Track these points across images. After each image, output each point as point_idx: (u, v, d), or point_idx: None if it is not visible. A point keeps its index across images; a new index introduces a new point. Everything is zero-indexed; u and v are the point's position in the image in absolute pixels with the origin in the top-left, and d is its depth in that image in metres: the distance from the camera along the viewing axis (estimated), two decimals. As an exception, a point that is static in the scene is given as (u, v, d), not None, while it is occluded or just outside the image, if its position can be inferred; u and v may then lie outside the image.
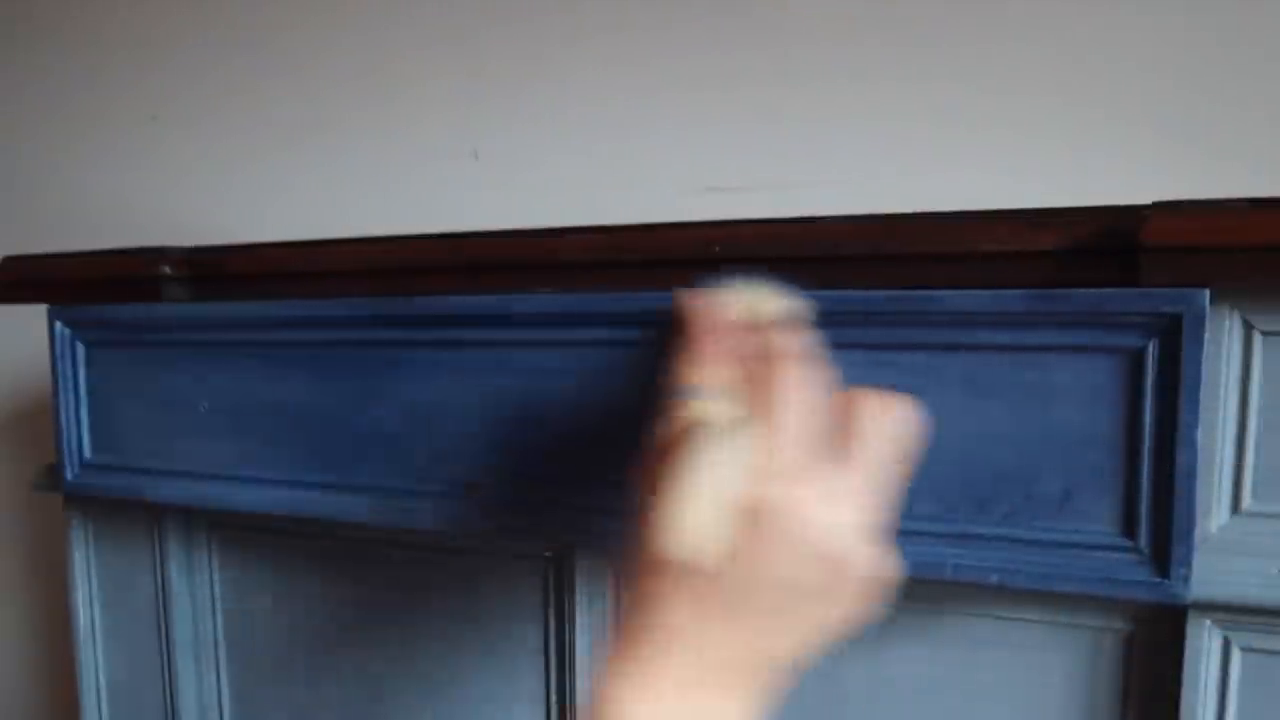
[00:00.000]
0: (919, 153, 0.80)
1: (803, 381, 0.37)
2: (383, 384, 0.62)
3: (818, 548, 0.36)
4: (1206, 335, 0.43)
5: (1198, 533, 0.45)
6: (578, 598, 0.62)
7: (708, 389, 0.38)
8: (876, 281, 0.49)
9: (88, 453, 0.74)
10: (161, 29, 1.11)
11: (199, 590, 0.77)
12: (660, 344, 0.42)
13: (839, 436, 0.38)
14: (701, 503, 0.35)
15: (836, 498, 0.36)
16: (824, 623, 0.39)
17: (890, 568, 0.39)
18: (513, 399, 0.58)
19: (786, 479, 0.36)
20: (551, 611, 0.64)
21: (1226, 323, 0.45)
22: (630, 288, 0.54)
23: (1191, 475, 0.43)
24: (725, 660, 0.37)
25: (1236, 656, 0.47)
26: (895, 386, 0.49)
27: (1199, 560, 0.45)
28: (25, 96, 1.21)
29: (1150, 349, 0.44)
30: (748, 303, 0.40)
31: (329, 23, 1.02)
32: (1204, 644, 0.47)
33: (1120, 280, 0.44)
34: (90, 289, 0.72)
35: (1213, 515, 0.46)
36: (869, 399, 0.39)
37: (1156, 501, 0.44)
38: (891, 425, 0.39)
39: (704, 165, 0.87)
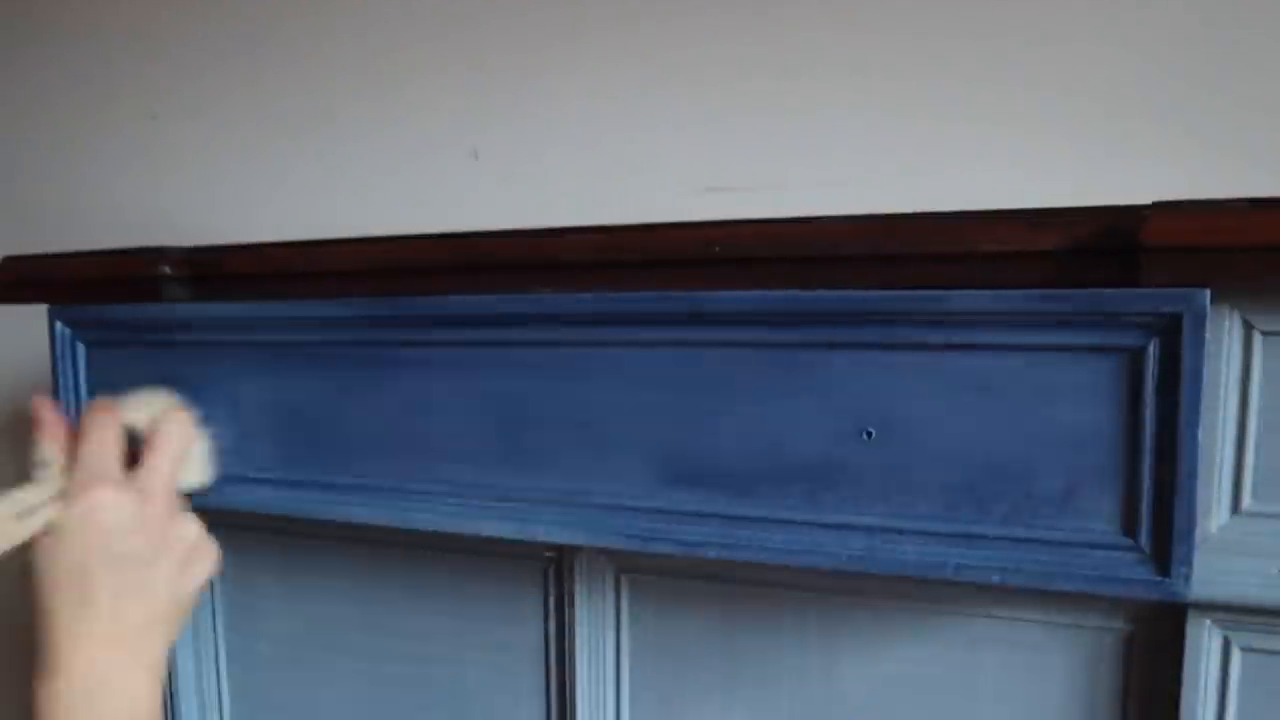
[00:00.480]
0: (919, 152, 0.80)
1: (98, 438, 0.51)
2: (383, 384, 0.62)
3: (108, 532, 0.49)
4: (1206, 335, 0.43)
5: (1198, 533, 0.45)
6: (578, 598, 0.62)
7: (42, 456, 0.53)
8: (876, 281, 0.49)
9: (88, 453, 0.74)
10: (161, 27, 1.11)
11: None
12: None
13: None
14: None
15: (122, 496, 0.49)
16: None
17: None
18: (512, 398, 0.58)
19: (81, 492, 0.49)
20: (551, 611, 0.64)
21: (1226, 323, 0.45)
22: (630, 288, 0.54)
23: (1192, 475, 0.43)
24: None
25: (1236, 656, 0.47)
26: (895, 386, 0.49)
27: (1199, 560, 0.45)
28: (25, 95, 1.21)
29: (1150, 349, 0.44)
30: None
31: (329, 22, 1.02)
32: (1204, 644, 0.47)
33: (1120, 280, 0.44)
34: (90, 289, 0.72)
35: (1213, 515, 0.46)
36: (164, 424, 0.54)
37: (1157, 501, 0.44)
38: (172, 443, 0.53)
39: (704, 165, 0.87)
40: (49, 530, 0.49)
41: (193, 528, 0.52)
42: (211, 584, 0.77)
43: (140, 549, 0.48)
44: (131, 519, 0.48)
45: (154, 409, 0.57)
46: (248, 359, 0.67)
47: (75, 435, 0.52)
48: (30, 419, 0.56)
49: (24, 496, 0.50)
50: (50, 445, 0.53)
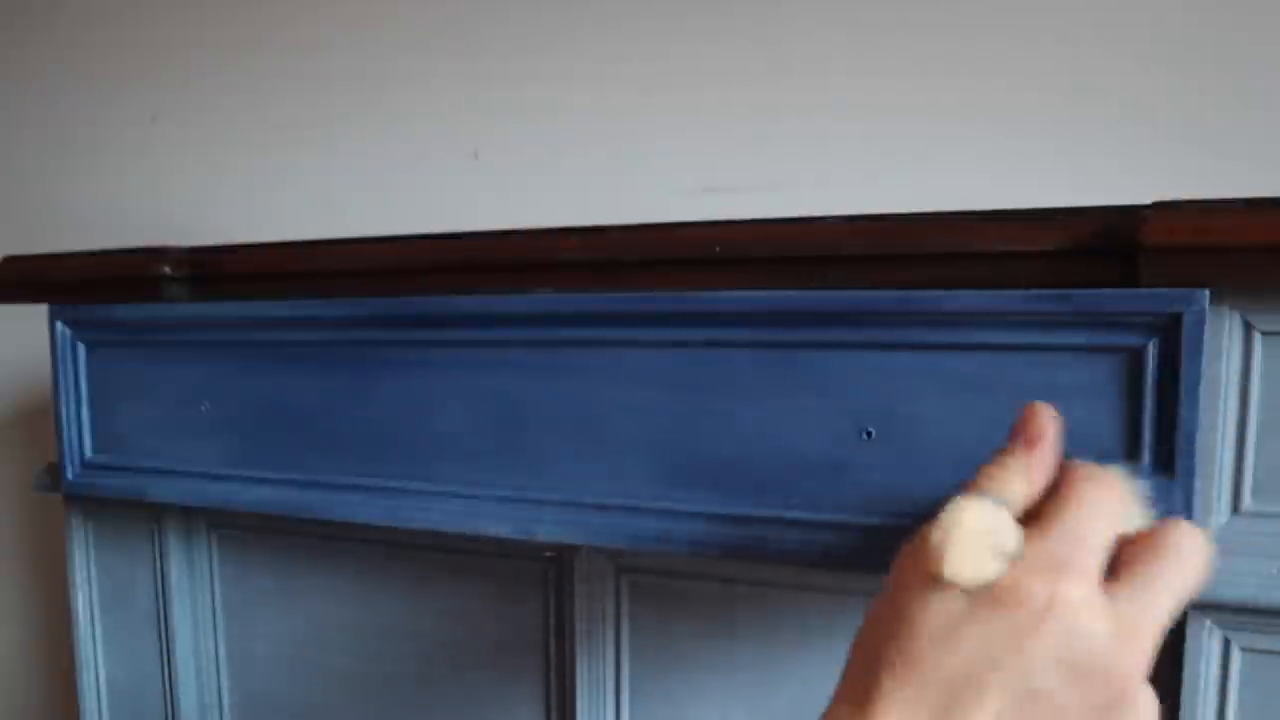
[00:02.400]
0: (918, 153, 0.80)
1: (1104, 501, 0.36)
2: (382, 383, 0.62)
3: (1064, 645, 0.33)
4: (1206, 335, 0.43)
5: (1198, 533, 0.45)
6: (577, 598, 0.62)
7: (1004, 490, 0.38)
8: (876, 281, 0.49)
9: (88, 452, 0.74)
10: (162, 28, 1.11)
11: (199, 590, 0.77)
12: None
13: (1126, 562, 0.35)
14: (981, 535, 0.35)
15: (1102, 611, 0.33)
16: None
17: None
18: (512, 398, 0.58)
19: (1046, 574, 0.33)
20: (551, 612, 0.64)
21: (1226, 323, 0.45)
22: (630, 288, 0.54)
23: (1191, 475, 0.43)
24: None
25: (1236, 656, 0.47)
26: (895, 386, 0.49)
27: (1199, 560, 0.45)
28: (26, 96, 1.21)
29: (1150, 349, 0.44)
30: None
31: (328, 23, 1.02)
32: (1204, 644, 0.47)
33: (1120, 280, 0.45)
34: (90, 289, 0.72)
35: (1213, 515, 0.46)
36: (1174, 531, 0.36)
37: (1156, 501, 0.44)
38: (1187, 558, 0.35)
39: (704, 165, 0.87)
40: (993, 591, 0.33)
41: (1150, 705, 0.33)
42: (212, 584, 0.77)
43: (1077, 690, 0.32)
44: (1098, 645, 0.32)
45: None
46: (248, 359, 0.67)
47: (1062, 483, 0.37)
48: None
49: (1003, 527, 0.35)
50: (1023, 479, 0.38)
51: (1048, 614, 0.32)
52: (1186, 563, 0.35)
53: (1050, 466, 0.38)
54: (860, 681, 0.35)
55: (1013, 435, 0.39)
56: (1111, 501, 0.35)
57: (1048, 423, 0.39)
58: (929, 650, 0.33)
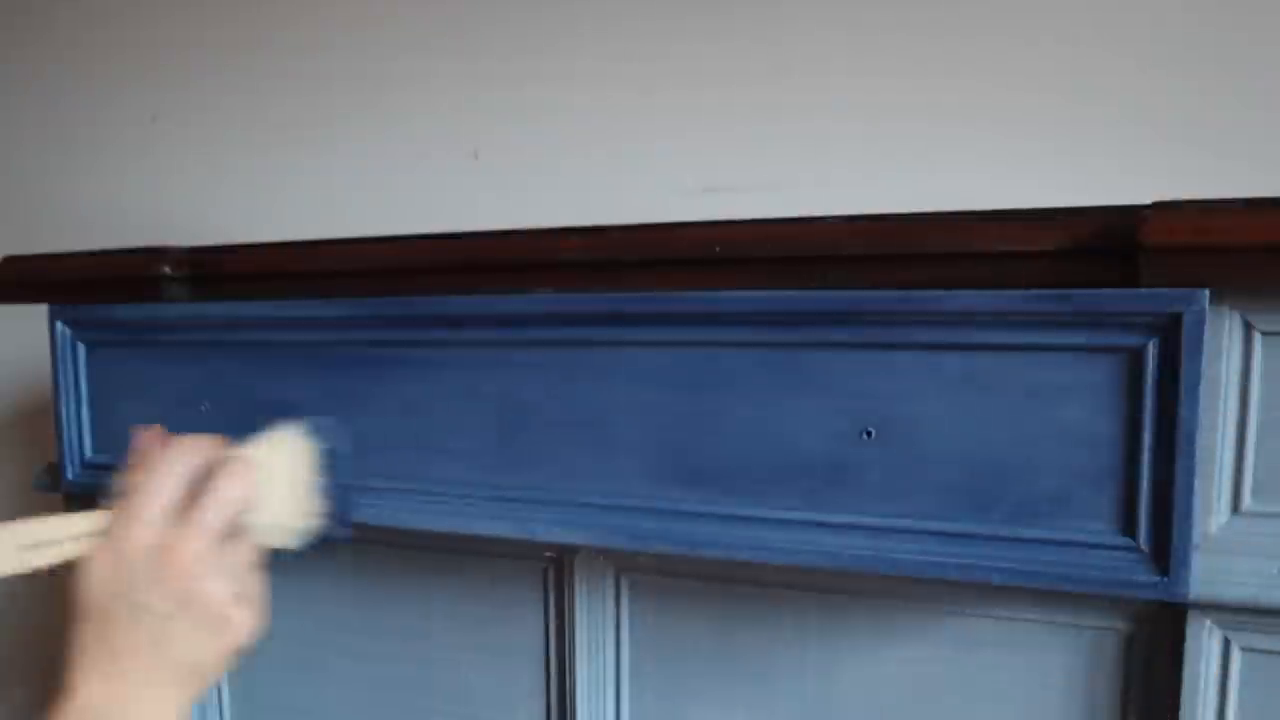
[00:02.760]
0: (919, 153, 0.80)
1: (164, 474, 0.47)
2: (383, 383, 0.62)
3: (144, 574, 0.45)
4: (1206, 335, 0.43)
5: (1198, 533, 0.45)
6: (578, 598, 0.62)
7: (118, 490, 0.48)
8: (876, 281, 0.49)
9: (88, 452, 0.74)
10: (162, 31, 1.11)
11: (199, 590, 0.77)
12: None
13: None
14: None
15: (175, 538, 0.45)
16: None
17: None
18: (513, 398, 0.58)
19: (130, 529, 0.46)
20: (551, 611, 0.64)
21: (1226, 323, 0.45)
22: (630, 288, 0.54)
23: (1191, 475, 0.43)
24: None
25: (1236, 656, 0.47)
26: (895, 386, 0.49)
27: (1199, 560, 0.45)
28: (27, 98, 1.21)
29: (1150, 349, 0.44)
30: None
31: (329, 24, 1.02)
32: (1204, 644, 0.47)
33: (1120, 280, 0.45)
34: (90, 289, 0.72)
35: (1213, 515, 0.46)
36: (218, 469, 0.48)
37: (1156, 501, 0.44)
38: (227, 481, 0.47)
39: (704, 165, 0.87)
40: (84, 558, 0.47)
41: (220, 590, 0.47)
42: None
43: (156, 604, 0.45)
44: (152, 569, 0.45)
45: (269, 449, 0.50)
46: (248, 359, 0.67)
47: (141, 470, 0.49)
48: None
49: (40, 529, 0.48)
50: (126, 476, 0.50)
51: (113, 551, 0.45)
52: (234, 475, 0.47)
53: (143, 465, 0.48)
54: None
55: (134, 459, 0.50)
56: (168, 465, 0.47)
57: (138, 439, 0.50)
58: (82, 616, 0.46)
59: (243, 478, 0.48)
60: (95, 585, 0.46)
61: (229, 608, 0.47)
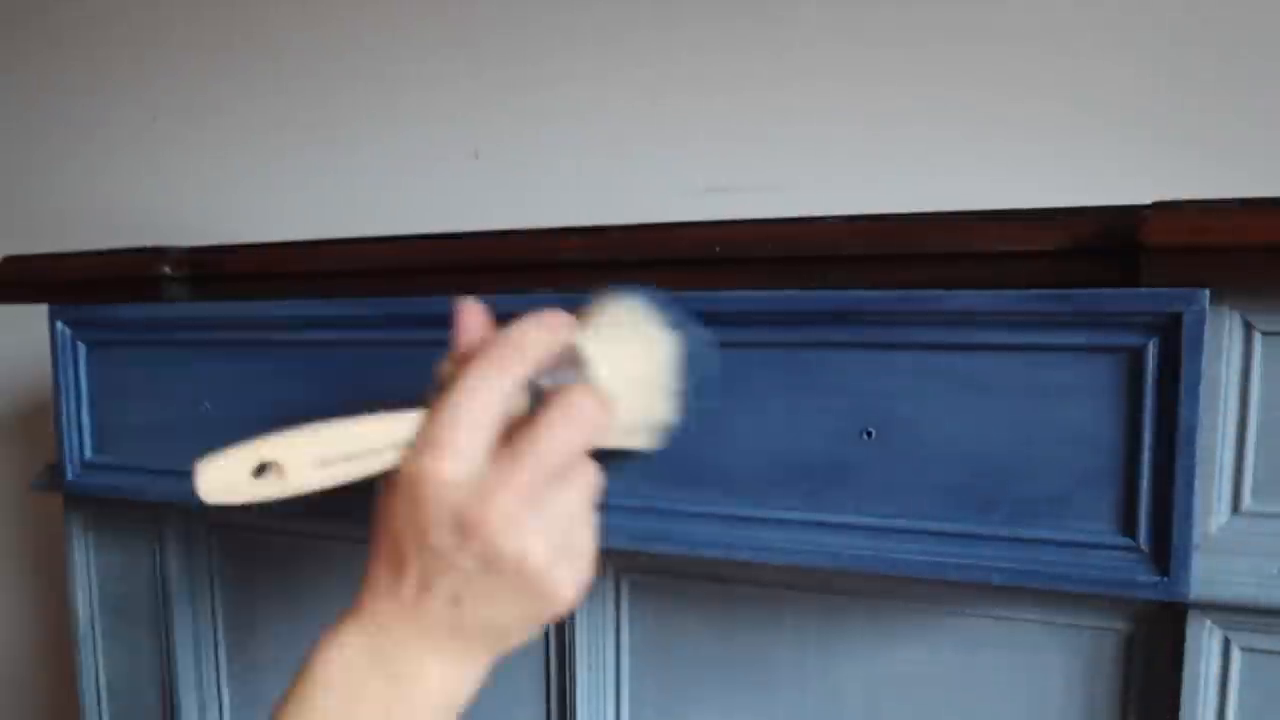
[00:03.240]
0: (918, 153, 0.80)
1: (491, 376, 0.39)
2: (382, 383, 0.62)
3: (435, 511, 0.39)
4: (1206, 335, 0.43)
5: (1198, 533, 0.45)
6: (578, 598, 0.62)
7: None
8: (876, 281, 0.49)
9: (88, 452, 0.74)
10: (162, 29, 1.11)
11: (199, 591, 0.77)
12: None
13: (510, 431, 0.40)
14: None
15: (484, 486, 0.38)
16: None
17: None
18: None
19: (425, 454, 0.39)
20: (551, 611, 0.64)
21: (1226, 323, 0.45)
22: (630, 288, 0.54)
23: (1191, 475, 0.43)
24: None
25: (1236, 656, 0.47)
26: (895, 386, 0.49)
27: (1199, 560, 0.45)
28: (27, 97, 1.21)
29: (1150, 349, 0.44)
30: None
31: (329, 24, 1.02)
32: (1204, 644, 0.47)
33: (1120, 280, 0.45)
34: (90, 289, 0.72)
35: (1213, 515, 0.46)
36: (563, 395, 0.40)
37: (1156, 500, 0.44)
38: (572, 415, 0.40)
39: (704, 165, 0.87)
40: (385, 483, 0.40)
41: (537, 548, 0.39)
42: (212, 584, 0.77)
43: (456, 558, 0.38)
44: (455, 519, 0.38)
45: (612, 340, 0.41)
46: (248, 359, 0.67)
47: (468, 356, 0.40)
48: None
49: (343, 439, 0.40)
50: (448, 364, 0.42)
51: (414, 487, 0.38)
52: (570, 418, 0.39)
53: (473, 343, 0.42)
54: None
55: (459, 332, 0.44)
56: (495, 381, 0.39)
57: (463, 313, 0.44)
58: (380, 538, 0.41)
59: (585, 417, 0.40)
60: (390, 521, 0.40)
61: (546, 569, 0.39)
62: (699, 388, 0.45)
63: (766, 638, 0.59)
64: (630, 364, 0.43)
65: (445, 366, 0.42)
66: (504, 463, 0.38)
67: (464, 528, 0.38)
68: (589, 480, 0.42)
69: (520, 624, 0.41)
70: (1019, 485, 0.47)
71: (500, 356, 0.40)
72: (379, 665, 0.40)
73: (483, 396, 0.39)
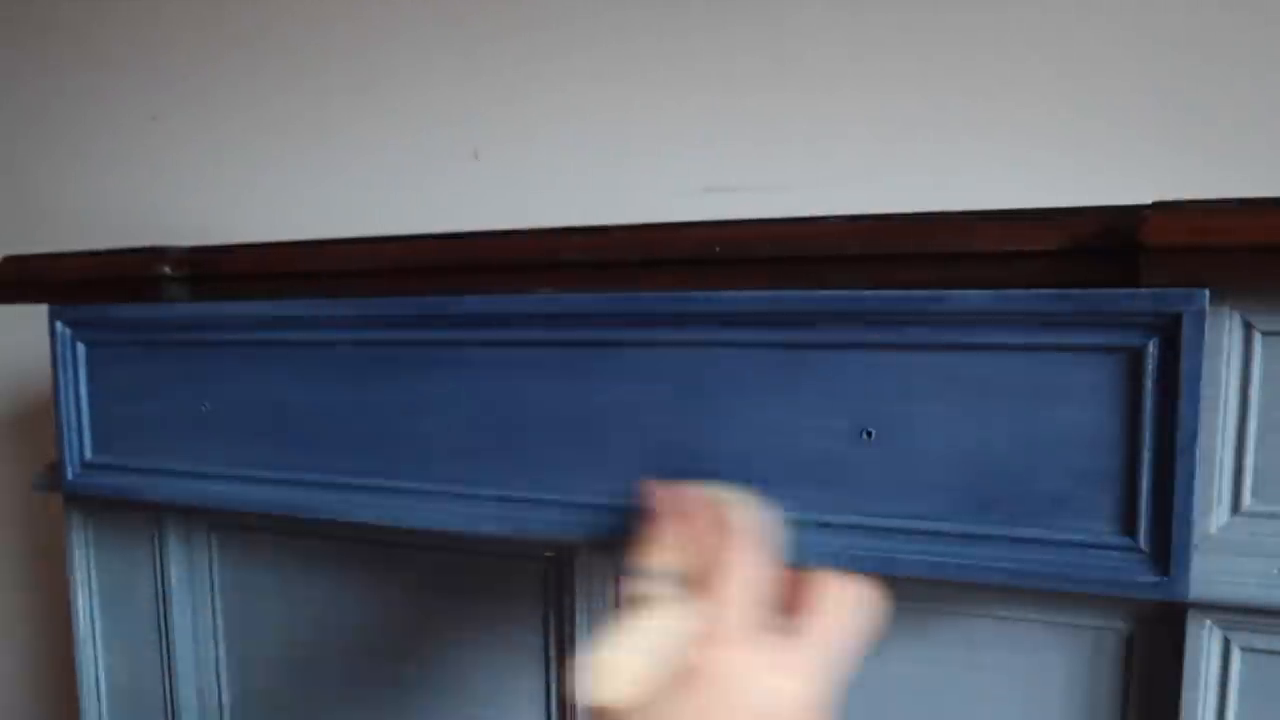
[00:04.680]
0: (918, 153, 0.80)
1: (751, 558, 0.40)
2: (382, 383, 0.62)
3: (757, 710, 0.37)
4: (1206, 335, 0.43)
5: (1198, 533, 0.45)
6: (578, 598, 0.62)
7: (662, 567, 0.42)
8: (877, 281, 0.49)
9: (88, 452, 0.74)
10: (162, 30, 1.11)
11: (199, 591, 0.77)
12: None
13: (792, 610, 0.41)
14: (625, 657, 0.39)
15: (780, 666, 0.38)
16: None
17: None
18: (512, 398, 0.58)
19: (727, 645, 0.38)
20: (551, 611, 0.64)
21: (1226, 323, 0.45)
22: (630, 288, 0.54)
23: (1191, 474, 0.43)
24: None
25: (1236, 656, 0.47)
26: (895, 386, 0.49)
27: (1199, 560, 0.45)
28: (27, 96, 1.21)
29: (1150, 349, 0.44)
30: (711, 497, 0.44)
31: (329, 23, 1.02)
32: (1204, 644, 0.47)
33: (1120, 280, 0.44)
34: (90, 289, 0.72)
35: (1213, 515, 0.46)
36: (827, 578, 0.42)
37: (1156, 501, 0.44)
38: (847, 602, 0.42)
39: (704, 165, 0.87)
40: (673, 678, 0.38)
41: None
42: (212, 584, 0.77)
43: None
44: (769, 704, 0.36)
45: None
46: (248, 359, 0.67)
47: (699, 537, 0.41)
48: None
49: (652, 627, 0.38)
50: (671, 552, 0.41)
51: (714, 681, 0.37)
52: (850, 608, 0.41)
53: (697, 531, 0.42)
54: None
55: (652, 517, 0.43)
56: (749, 557, 0.39)
57: (674, 496, 0.43)
58: None
59: (844, 611, 0.41)
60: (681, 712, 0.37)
61: None
62: None
63: (766, 638, 0.59)
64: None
65: (662, 556, 0.41)
66: (808, 645, 0.39)
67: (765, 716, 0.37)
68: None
69: None
70: (1019, 485, 0.47)
71: (744, 538, 0.41)
72: None
73: (752, 566, 0.40)
